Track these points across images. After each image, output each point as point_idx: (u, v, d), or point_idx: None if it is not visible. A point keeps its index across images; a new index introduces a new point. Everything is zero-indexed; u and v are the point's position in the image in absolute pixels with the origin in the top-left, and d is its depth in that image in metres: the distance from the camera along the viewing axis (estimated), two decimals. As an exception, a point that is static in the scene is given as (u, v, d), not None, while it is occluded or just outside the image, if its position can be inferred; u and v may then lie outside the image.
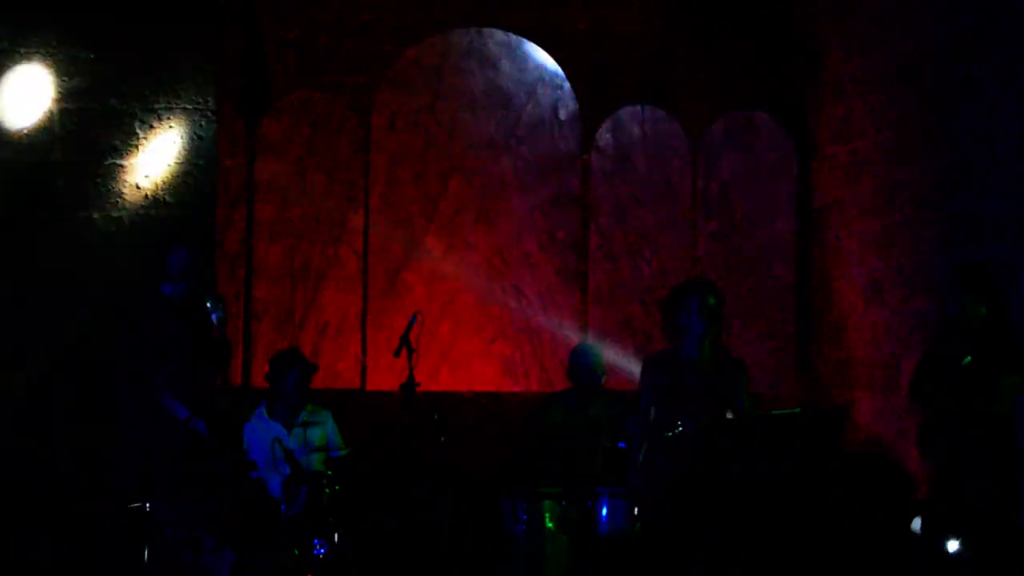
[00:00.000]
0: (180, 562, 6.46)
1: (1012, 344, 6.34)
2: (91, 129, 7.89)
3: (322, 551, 7.05)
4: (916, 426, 6.77)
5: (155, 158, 7.98)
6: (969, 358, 6.28)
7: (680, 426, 6.32)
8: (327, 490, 7.04)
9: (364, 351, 8.69)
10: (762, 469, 6.08)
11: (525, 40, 8.98)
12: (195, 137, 8.06)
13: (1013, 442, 6.46)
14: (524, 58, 8.99)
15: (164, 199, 7.98)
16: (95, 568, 7.31)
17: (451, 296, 8.82)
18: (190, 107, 8.05)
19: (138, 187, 7.94)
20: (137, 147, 7.94)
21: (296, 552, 6.86)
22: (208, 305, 6.82)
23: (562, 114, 9.02)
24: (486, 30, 8.97)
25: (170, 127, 8.00)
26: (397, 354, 7.26)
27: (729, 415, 6.44)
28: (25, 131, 7.80)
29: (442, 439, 7.20)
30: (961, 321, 6.55)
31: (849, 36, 8.81)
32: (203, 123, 8.08)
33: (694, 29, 9.15)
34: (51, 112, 7.84)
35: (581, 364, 7.84)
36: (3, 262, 7.71)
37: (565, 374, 7.98)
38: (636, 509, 6.54)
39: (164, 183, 7.99)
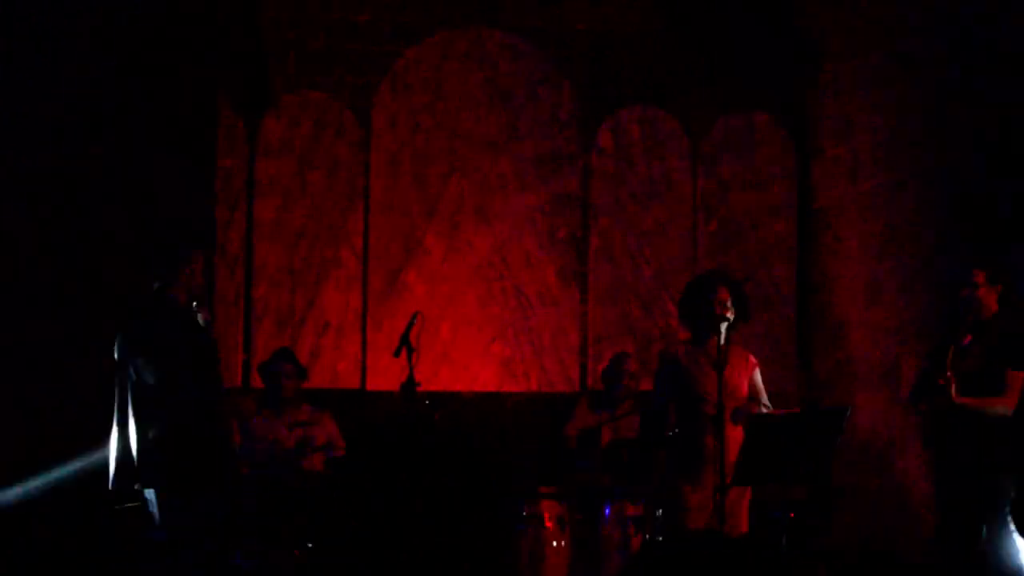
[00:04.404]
0: (178, 563, 6.45)
1: (1020, 338, 6.24)
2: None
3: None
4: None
5: (154, 158, 7.96)
6: (969, 340, 6.23)
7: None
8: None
9: (364, 351, 8.69)
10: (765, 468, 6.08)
11: (525, 40, 8.99)
12: (195, 137, 8.05)
13: (1019, 436, 6.36)
14: (524, 58, 8.99)
15: (164, 199, 7.96)
16: (93, 568, 7.31)
17: (451, 296, 8.81)
18: (190, 107, 8.03)
19: (138, 187, 7.92)
20: (137, 147, 7.93)
21: (296, 552, 6.87)
22: (194, 304, 6.80)
23: (562, 114, 9.02)
24: (486, 30, 8.97)
25: (170, 127, 7.98)
26: (397, 354, 7.26)
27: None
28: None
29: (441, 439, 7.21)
30: (971, 311, 6.42)
31: (849, 36, 8.81)
32: (203, 123, 8.07)
33: (694, 29, 9.15)
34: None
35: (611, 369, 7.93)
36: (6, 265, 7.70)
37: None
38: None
39: (164, 183, 7.97)
